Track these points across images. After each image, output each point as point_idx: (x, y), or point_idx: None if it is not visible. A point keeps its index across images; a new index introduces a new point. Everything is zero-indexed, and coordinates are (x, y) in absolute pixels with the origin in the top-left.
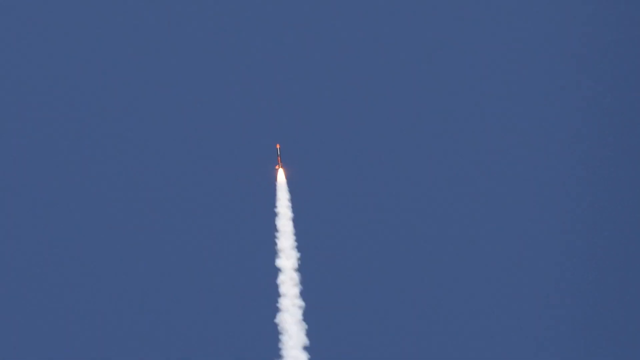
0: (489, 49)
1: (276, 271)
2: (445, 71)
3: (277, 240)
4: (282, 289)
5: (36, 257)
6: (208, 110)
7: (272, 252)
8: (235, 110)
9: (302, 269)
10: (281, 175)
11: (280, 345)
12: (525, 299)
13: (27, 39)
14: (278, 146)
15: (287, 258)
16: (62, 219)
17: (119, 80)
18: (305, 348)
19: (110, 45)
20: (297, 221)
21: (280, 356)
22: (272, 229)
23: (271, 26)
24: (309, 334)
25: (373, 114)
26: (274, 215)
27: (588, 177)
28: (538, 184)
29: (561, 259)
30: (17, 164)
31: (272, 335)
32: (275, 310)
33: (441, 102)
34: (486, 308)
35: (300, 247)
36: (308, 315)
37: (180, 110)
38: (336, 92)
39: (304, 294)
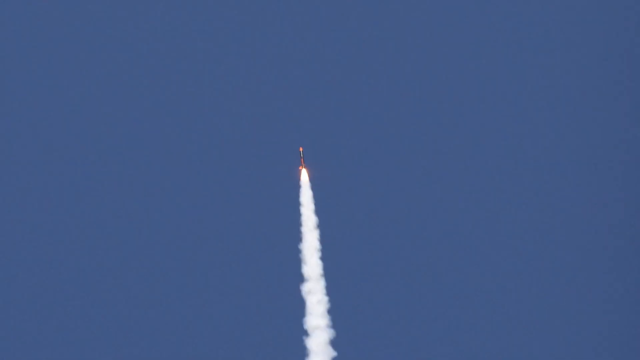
0: (508, 54)
1: (300, 261)
2: (467, 73)
3: (301, 235)
4: (307, 278)
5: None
6: (240, 120)
7: (297, 241)
8: (263, 117)
9: (324, 258)
10: (304, 176)
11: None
12: (563, 298)
13: (28, 39)
14: (301, 149)
15: (310, 247)
16: (93, 215)
17: (152, 89)
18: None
19: (141, 50)
20: (319, 215)
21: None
22: (297, 223)
23: (295, 37)
24: (334, 326)
25: (390, 118)
26: (299, 210)
27: (590, 177)
28: (571, 191)
29: (576, 260)
30: (36, 165)
31: (298, 333)
32: (302, 303)
33: (462, 104)
34: (516, 309)
35: (322, 238)
36: (333, 311)
37: (217, 120)
38: (354, 100)
39: (327, 284)
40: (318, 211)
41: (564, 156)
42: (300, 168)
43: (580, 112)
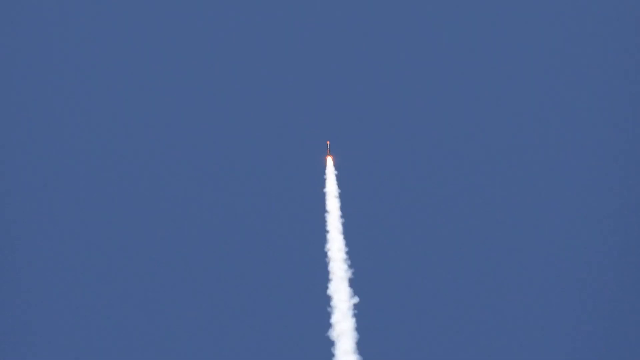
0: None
1: (325, 239)
2: (488, 69)
3: (326, 215)
4: (331, 257)
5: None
6: (276, 115)
7: (322, 221)
8: (297, 113)
9: (346, 234)
10: (330, 164)
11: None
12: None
13: (28, 40)
14: (328, 142)
15: (334, 227)
16: (113, 213)
17: (182, 83)
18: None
19: (170, 50)
20: (342, 199)
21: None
22: (322, 205)
23: (324, 34)
24: (357, 313)
25: (414, 111)
26: (323, 194)
27: (595, 178)
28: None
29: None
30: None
31: (322, 310)
32: (326, 280)
33: (484, 98)
34: (537, 306)
35: (344, 216)
36: (355, 285)
37: (252, 117)
38: (378, 96)
39: (350, 259)
40: (341, 193)
41: (567, 156)
42: (326, 157)
43: (579, 111)
